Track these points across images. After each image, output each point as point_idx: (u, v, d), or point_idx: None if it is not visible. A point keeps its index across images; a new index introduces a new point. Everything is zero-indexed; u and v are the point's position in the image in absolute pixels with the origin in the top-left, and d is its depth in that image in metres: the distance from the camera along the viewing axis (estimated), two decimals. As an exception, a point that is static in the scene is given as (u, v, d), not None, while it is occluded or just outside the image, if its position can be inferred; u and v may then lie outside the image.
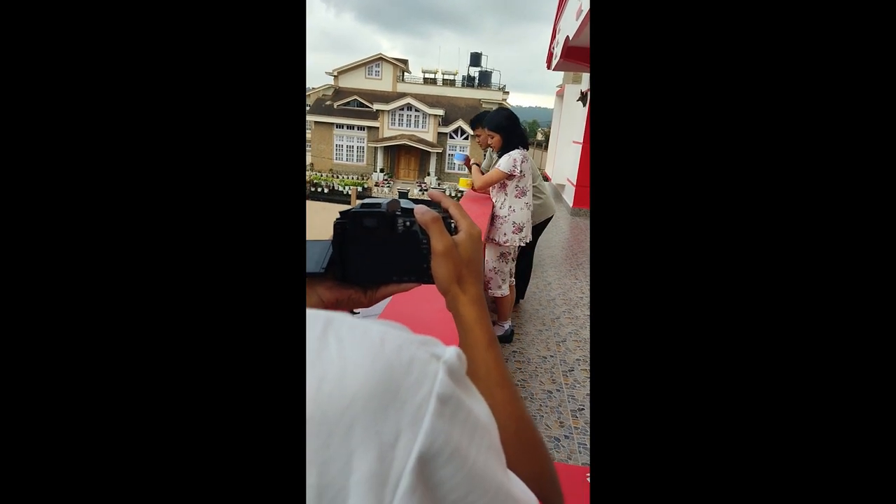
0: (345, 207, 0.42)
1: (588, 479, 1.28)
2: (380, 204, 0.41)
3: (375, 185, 21.57)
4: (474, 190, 2.61)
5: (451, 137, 22.96)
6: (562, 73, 11.47)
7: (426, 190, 20.03)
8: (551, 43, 9.49)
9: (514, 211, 2.52)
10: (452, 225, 0.43)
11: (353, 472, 0.19)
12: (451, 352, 0.25)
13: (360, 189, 20.23)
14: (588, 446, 1.96)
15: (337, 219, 0.42)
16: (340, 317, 0.24)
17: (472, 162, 2.83)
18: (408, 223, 0.41)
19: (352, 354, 0.21)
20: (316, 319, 0.23)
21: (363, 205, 0.42)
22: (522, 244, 2.59)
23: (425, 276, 0.42)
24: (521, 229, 2.54)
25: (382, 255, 0.42)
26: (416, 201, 0.43)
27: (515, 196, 2.52)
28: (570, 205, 7.48)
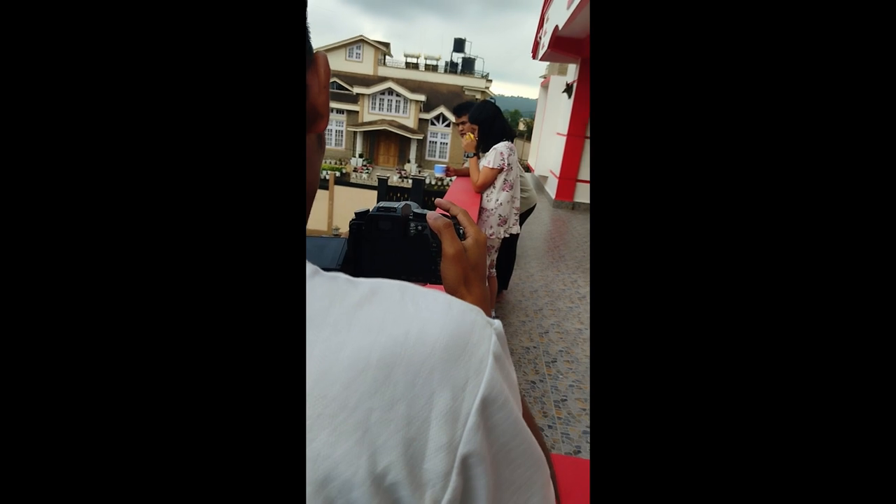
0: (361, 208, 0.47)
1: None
2: (395, 209, 0.45)
3: (354, 171, 21.14)
4: (475, 192, 2.55)
5: (433, 124, 22.67)
6: (545, 64, 11.43)
7: (406, 177, 19.79)
8: (538, 32, 9.44)
9: (500, 204, 2.51)
10: (461, 231, 0.46)
11: (434, 406, 0.23)
12: (498, 322, 0.29)
13: (338, 174, 19.81)
14: (570, 436, 1.98)
15: (352, 220, 0.46)
16: (410, 286, 0.28)
17: (453, 168, 3.09)
18: (419, 227, 0.45)
19: (427, 315, 0.26)
20: (392, 287, 0.27)
21: (379, 208, 0.46)
22: (506, 235, 2.56)
23: (433, 277, 0.46)
24: (505, 221, 2.54)
25: (394, 255, 0.46)
26: (428, 207, 0.48)
27: (503, 189, 2.50)
28: (553, 197, 7.50)
